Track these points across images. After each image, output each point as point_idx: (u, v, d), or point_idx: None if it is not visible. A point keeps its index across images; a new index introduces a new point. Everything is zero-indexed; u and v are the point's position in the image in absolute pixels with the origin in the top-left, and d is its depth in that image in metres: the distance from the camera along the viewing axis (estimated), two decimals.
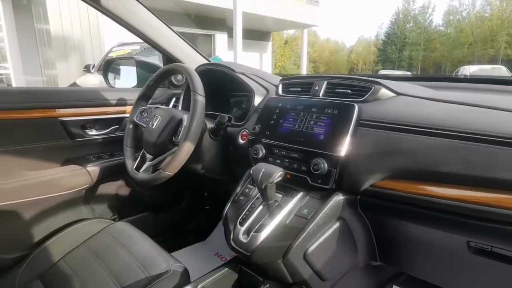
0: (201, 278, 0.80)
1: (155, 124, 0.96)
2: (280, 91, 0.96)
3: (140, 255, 0.90)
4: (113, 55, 4.73)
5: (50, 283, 0.86)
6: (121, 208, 1.32)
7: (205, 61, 1.31)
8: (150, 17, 1.16)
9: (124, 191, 1.34)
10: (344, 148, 0.70)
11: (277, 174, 0.70)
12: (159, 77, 1.04)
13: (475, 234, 0.62)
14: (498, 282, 0.70)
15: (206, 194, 1.60)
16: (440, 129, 0.62)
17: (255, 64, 15.67)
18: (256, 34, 15.39)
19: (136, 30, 1.14)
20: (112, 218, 1.30)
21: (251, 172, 0.74)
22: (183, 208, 1.51)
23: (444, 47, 32.68)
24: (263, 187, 0.71)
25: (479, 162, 0.57)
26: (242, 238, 0.74)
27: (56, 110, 1.10)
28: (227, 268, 0.84)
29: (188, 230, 1.53)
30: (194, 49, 1.31)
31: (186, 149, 0.84)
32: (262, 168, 0.71)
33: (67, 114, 1.12)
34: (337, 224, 0.74)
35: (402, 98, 0.76)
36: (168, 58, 1.29)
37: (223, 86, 1.13)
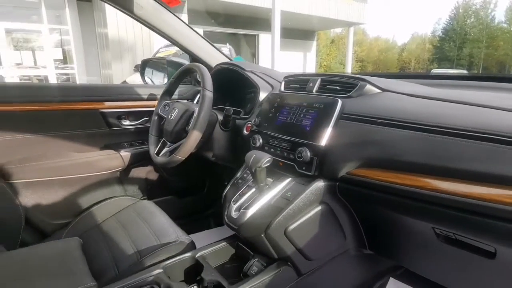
0: (202, 248, 0.92)
1: (173, 116, 1.10)
2: (282, 88, 1.05)
3: (156, 228, 1.05)
4: (160, 55, 5.11)
5: (87, 245, 1.05)
6: (149, 190, 1.50)
7: (225, 60, 1.43)
8: (177, 22, 1.31)
9: (153, 175, 1.52)
10: (324, 138, 0.78)
11: (265, 160, 0.79)
12: (179, 76, 1.18)
13: (439, 221, 0.66)
14: (469, 272, 0.72)
15: (226, 183, 1.74)
16: (408, 122, 0.67)
17: (298, 63, 15.60)
18: (300, 33, 15.32)
19: (164, 33, 1.29)
20: (141, 198, 1.48)
21: (245, 158, 0.84)
22: (204, 195, 1.66)
23: (507, 45, 29.54)
24: (253, 170, 0.81)
25: (438, 152, 0.61)
26: (234, 214, 0.85)
27: (97, 103, 1.31)
28: (225, 243, 0.96)
29: (208, 215, 1.68)
30: (216, 49, 1.44)
31: (193, 137, 0.97)
32: (253, 154, 0.81)
33: (106, 106, 1.32)
34: (319, 208, 0.81)
35: (386, 94, 0.81)
36: (193, 57, 1.44)
37: (238, 83, 1.24)
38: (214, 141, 1.14)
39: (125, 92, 1.40)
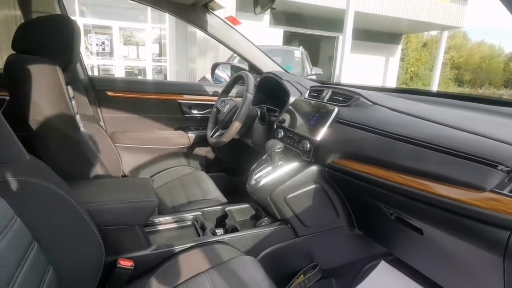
0: (231, 205, 1.28)
1: (225, 109, 1.48)
2: (306, 95, 1.33)
3: (204, 189, 1.45)
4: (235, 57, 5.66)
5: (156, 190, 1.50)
6: (206, 166, 1.93)
7: (275, 66, 1.75)
8: (239, 37, 1.68)
9: (210, 155, 1.95)
10: (320, 135, 1.06)
11: (277, 146, 1.11)
12: (233, 80, 1.55)
13: (389, 203, 0.89)
14: (412, 245, 0.94)
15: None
16: (376, 128, 0.91)
17: (377, 68, 14.94)
18: (384, 36, 14.61)
19: (228, 46, 1.67)
20: (199, 170, 1.92)
21: (265, 145, 1.17)
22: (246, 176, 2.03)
23: None
24: (269, 153, 1.14)
25: (391, 151, 0.85)
26: (252, 182, 1.18)
27: (176, 95, 1.77)
28: (248, 205, 1.30)
29: (247, 194, 2.04)
30: (269, 57, 1.77)
31: (235, 126, 1.33)
32: (270, 142, 1.14)
33: (182, 98, 1.78)
34: (313, 186, 1.10)
35: (375, 107, 1.04)
36: (250, 64, 1.80)
37: (279, 88, 1.56)
38: (253, 132, 1.49)
39: (196, 89, 1.85)
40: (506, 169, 0.63)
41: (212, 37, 1.64)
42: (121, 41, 9.47)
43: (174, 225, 1.18)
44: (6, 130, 0.63)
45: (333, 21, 11.67)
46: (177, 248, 0.98)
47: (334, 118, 1.06)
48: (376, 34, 14.50)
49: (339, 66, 7.75)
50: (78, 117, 1.24)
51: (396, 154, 0.83)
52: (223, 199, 1.38)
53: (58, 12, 1.44)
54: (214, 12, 1.58)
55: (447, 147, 0.73)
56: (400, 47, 16.03)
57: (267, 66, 1.72)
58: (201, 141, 1.84)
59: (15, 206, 0.61)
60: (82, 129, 1.20)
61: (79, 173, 1.08)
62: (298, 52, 5.78)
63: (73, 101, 1.22)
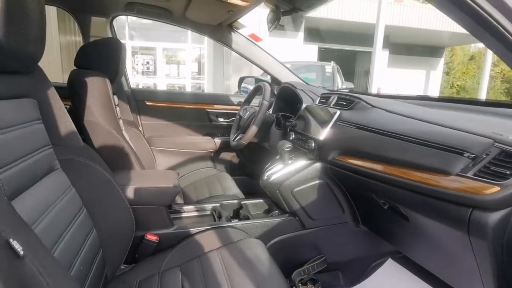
0: (247, 200, 1.43)
1: (245, 116, 1.66)
2: (317, 102, 1.47)
3: (225, 186, 1.62)
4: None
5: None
6: (231, 169, 2.10)
7: (293, 77, 1.90)
8: (260, 51, 1.86)
9: (235, 159, 2.12)
10: (323, 134, 1.18)
11: (286, 146, 1.25)
12: (254, 90, 1.73)
13: (377, 192, 0.99)
14: (404, 232, 1.01)
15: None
16: (371, 127, 1.02)
17: (418, 82, 14.47)
18: (424, 49, 14.21)
19: (251, 60, 1.86)
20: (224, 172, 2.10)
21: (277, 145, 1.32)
22: None
23: None
24: (279, 152, 1.28)
25: (381, 146, 0.96)
26: (264, 178, 1.33)
27: (205, 105, 1.99)
28: (262, 200, 1.44)
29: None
30: (288, 69, 1.93)
31: (252, 129, 1.49)
32: (280, 142, 1.28)
33: (209, 107, 1.99)
34: (317, 181, 1.22)
35: (373, 109, 1.15)
36: (271, 76, 1.97)
37: (295, 96, 1.71)
38: (270, 136, 1.65)
39: (222, 99, 2.06)
40: (472, 155, 0.72)
41: (237, 53, 1.84)
42: (164, 61, 10.23)
43: (195, 213, 1.35)
44: (68, 121, 0.86)
45: (368, 36, 11.64)
46: (195, 229, 1.14)
47: (336, 120, 1.18)
48: (416, 48, 14.14)
49: (371, 80, 7.69)
50: (121, 121, 1.49)
51: (385, 148, 0.94)
52: (241, 196, 1.54)
53: (110, 35, 1.74)
54: (238, 31, 1.79)
55: (423, 139, 0.83)
56: (442, 60, 15.42)
57: (286, 77, 1.88)
58: (226, 146, 2.02)
59: (71, 178, 0.82)
60: (124, 131, 1.44)
61: (120, 166, 1.30)
62: (330, 67, 5.90)
63: (118, 108, 1.48)
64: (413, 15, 11.42)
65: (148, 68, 10.34)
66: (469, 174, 0.70)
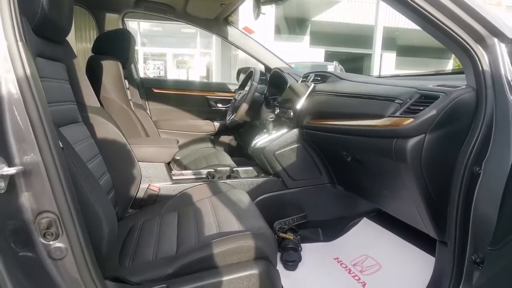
0: (236, 166, 1.64)
1: (238, 98, 1.88)
2: (299, 81, 1.68)
3: (220, 159, 1.84)
4: None
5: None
6: (230, 150, 2.32)
7: (282, 64, 2.11)
8: (253, 43, 2.08)
9: (233, 142, 2.34)
10: (299, 104, 1.39)
11: (269, 116, 1.47)
12: (246, 76, 1.95)
13: (339, 144, 1.19)
14: (364, 175, 1.21)
15: None
16: (336, 92, 1.23)
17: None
18: (433, 51, 14.21)
19: (245, 50, 2.08)
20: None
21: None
22: None
23: None
24: (264, 122, 1.50)
25: (342, 106, 1.16)
26: (251, 145, 1.54)
27: (205, 92, 2.23)
28: (251, 168, 1.64)
29: None
30: (278, 57, 2.13)
31: (243, 107, 1.71)
32: (265, 114, 1.50)
33: (209, 94, 2.23)
34: (296, 145, 1.42)
35: (341, 81, 1.35)
36: (264, 65, 2.18)
37: (283, 80, 1.92)
38: (261, 114, 1.86)
39: (221, 87, 2.29)
40: (400, 101, 0.92)
41: (232, 44, 2.07)
42: (174, 66, 10.62)
43: (193, 176, 1.57)
44: (88, 86, 1.09)
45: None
46: (191, 184, 1.36)
47: (311, 91, 1.39)
48: (424, 50, 14.15)
49: None
50: (131, 103, 1.73)
51: (344, 106, 1.14)
52: (234, 165, 1.75)
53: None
54: (233, 25, 2.03)
55: (368, 95, 1.04)
56: (451, 62, 15.36)
57: (276, 64, 2.10)
58: (225, 129, 2.25)
59: (90, 131, 1.05)
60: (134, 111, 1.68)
61: (129, 135, 1.54)
62: (332, 66, 6.09)
63: (128, 91, 1.72)
64: None
65: (159, 73, 10.76)
66: (397, 114, 0.90)
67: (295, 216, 1.45)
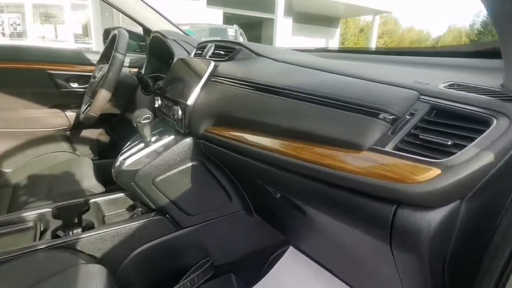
0: (99, 196, 1.00)
1: (97, 77, 1.18)
2: (192, 54, 1.09)
3: (76, 178, 1.15)
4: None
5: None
6: (101, 151, 1.60)
7: (170, 27, 1.46)
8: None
9: (104, 137, 1.62)
10: (192, 97, 0.82)
11: (144, 116, 0.85)
12: (110, 42, 1.24)
13: (259, 176, 0.70)
14: (300, 225, 0.77)
15: None
16: (250, 81, 0.70)
17: None
18: (323, 19, 14.92)
19: (119, 8, 1.32)
20: (92, 158, 1.58)
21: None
22: None
23: None
24: (136, 126, 0.88)
25: (262, 108, 0.65)
26: (116, 164, 0.92)
27: (46, 63, 1.40)
28: (124, 194, 1.03)
29: None
30: (164, 17, 1.46)
31: (101, 95, 1.04)
32: (137, 112, 0.87)
33: (53, 68, 1.41)
34: (190, 164, 0.87)
35: (258, 59, 0.83)
36: (142, 26, 1.48)
37: (169, 50, 1.29)
38: (136, 104, 1.21)
39: (76, 57, 1.49)
40: (390, 117, 0.46)
41: (105, 2, 1.29)
42: (35, 20, 8.30)
43: (9, 229, 0.87)
44: None
45: (274, 2, 11.51)
46: None
47: (209, 76, 0.83)
48: (316, 18, 14.73)
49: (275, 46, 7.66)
50: None
51: (270, 111, 0.63)
52: (99, 189, 1.10)
53: None
54: None
55: (320, 96, 0.54)
56: (338, 30, 16.55)
57: (160, 26, 1.43)
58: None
59: None
60: None
61: None
62: (232, 30, 5.51)
63: None
64: None
65: (15, 29, 8.33)
66: (388, 148, 0.44)
67: (200, 271, 0.94)
